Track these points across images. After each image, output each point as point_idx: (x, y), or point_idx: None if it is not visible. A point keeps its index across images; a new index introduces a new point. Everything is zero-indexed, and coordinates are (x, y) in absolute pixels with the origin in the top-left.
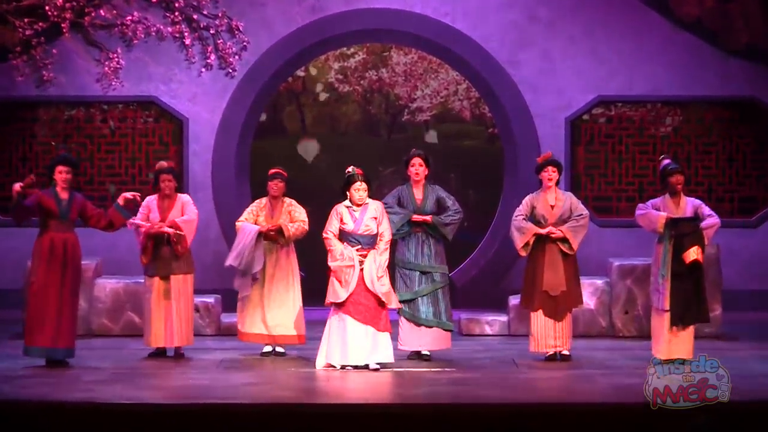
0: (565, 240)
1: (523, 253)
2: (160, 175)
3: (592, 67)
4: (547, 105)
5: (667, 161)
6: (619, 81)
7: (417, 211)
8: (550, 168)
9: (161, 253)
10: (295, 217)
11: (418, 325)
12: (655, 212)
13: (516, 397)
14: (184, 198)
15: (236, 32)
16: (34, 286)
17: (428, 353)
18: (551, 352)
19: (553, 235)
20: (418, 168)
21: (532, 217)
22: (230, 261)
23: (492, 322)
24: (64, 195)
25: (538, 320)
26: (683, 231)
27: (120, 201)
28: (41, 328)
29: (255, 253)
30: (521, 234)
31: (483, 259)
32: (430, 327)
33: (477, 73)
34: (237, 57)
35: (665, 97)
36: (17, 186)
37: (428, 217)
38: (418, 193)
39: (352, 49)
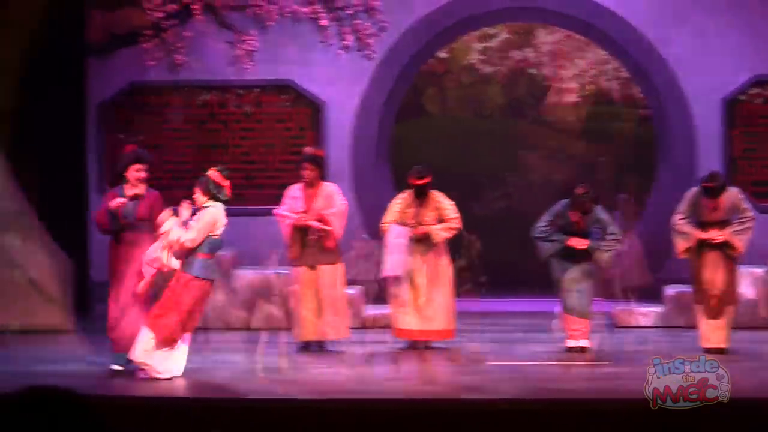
0: (728, 244)
1: (683, 256)
2: (302, 163)
3: (748, 44)
4: (700, 85)
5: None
6: None
7: (573, 233)
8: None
9: (308, 243)
10: (445, 213)
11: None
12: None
13: None
14: (329, 187)
15: (374, 12)
16: (111, 291)
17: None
18: (708, 347)
19: (714, 241)
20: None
21: (693, 216)
22: (391, 272)
23: (647, 314)
24: (130, 193)
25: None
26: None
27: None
28: (119, 335)
29: (408, 257)
30: (683, 239)
31: (635, 250)
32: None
33: (625, 51)
34: (375, 38)
35: None
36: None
37: (585, 244)
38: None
39: (494, 29)
